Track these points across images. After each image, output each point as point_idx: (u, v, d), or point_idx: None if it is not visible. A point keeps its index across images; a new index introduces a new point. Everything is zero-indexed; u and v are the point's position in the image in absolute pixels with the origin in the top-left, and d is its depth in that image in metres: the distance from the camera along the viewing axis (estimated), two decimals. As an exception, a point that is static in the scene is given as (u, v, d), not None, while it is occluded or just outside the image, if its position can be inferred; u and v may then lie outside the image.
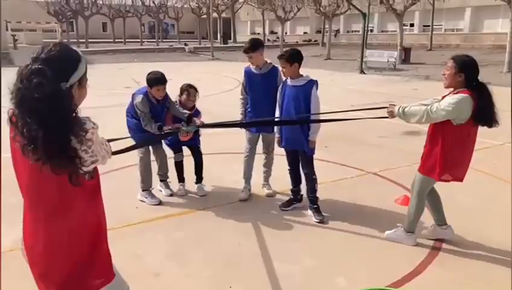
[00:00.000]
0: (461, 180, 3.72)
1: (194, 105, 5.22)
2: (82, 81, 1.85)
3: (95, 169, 1.93)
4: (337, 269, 3.63)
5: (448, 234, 3.99)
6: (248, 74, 4.96)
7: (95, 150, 1.83)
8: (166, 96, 4.84)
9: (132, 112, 4.81)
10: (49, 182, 1.76)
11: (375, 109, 4.10)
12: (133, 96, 4.81)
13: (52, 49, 1.76)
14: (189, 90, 5.13)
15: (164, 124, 4.74)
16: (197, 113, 5.19)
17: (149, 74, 4.75)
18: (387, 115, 3.81)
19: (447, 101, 3.46)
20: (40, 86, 1.63)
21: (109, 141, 2.41)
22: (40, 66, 1.67)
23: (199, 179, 5.34)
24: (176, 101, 5.07)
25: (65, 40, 39.12)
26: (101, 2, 43.10)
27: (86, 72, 1.87)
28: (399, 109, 3.68)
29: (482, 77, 3.60)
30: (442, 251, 3.87)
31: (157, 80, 4.67)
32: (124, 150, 3.22)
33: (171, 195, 5.17)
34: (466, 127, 3.51)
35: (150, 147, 5.00)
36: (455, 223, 4.04)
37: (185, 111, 4.86)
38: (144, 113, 4.62)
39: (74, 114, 1.73)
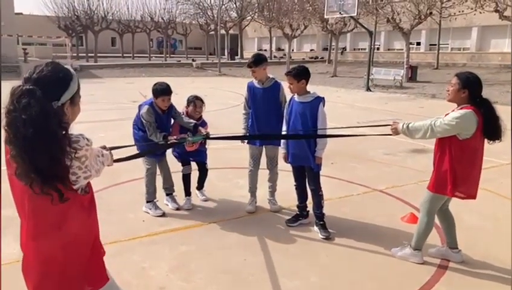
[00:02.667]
0: (474, 197, 3.71)
1: (201, 116, 5.27)
2: (74, 99, 1.87)
3: (88, 183, 1.95)
4: (343, 286, 3.61)
5: (458, 257, 3.96)
6: (251, 88, 5.04)
7: (89, 165, 1.87)
8: (171, 106, 4.94)
9: (139, 124, 4.89)
10: (44, 198, 1.76)
11: (380, 126, 4.11)
12: (139, 107, 4.91)
13: (43, 69, 1.79)
14: (195, 101, 5.19)
15: (169, 133, 4.82)
16: (203, 124, 5.25)
17: (155, 84, 4.87)
18: (391, 133, 3.84)
19: (451, 116, 3.51)
20: (28, 107, 1.65)
21: (113, 148, 2.44)
22: (30, 87, 1.70)
23: (200, 186, 5.48)
24: (183, 113, 5.14)
25: (74, 54, 39.69)
26: (110, 17, 43.67)
27: (78, 89, 1.89)
28: (403, 125, 3.71)
29: (488, 96, 3.64)
30: (449, 270, 3.84)
31: (162, 90, 4.77)
32: (127, 158, 3.15)
33: (178, 209, 5.18)
34: (472, 142, 3.53)
35: (157, 165, 5.03)
36: (462, 242, 4.02)
37: (191, 121, 4.93)
38: (149, 123, 4.71)
39: (65, 132, 1.74)
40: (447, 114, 3.65)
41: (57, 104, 1.76)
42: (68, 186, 1.77)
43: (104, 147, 2.33)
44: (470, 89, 3.54)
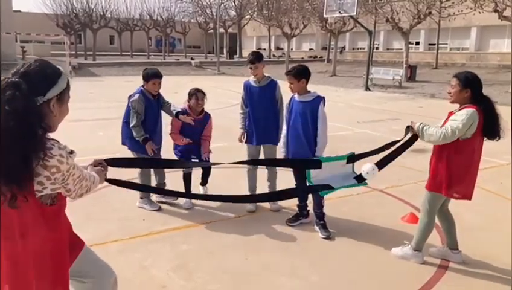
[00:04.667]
0: (469, 198, 3.71)
1: (203, 109, 5.27)
2: (62, 97, 1.85)
3: (58, 195, 1.86)
4: (343, 285, 3.62)
5: (458, 258, 3.96)
6: (247, 87, 5.06)
7: (59, 179, 1.77)
8: (160, 94, 5.04)
9: (129, 120, 4.92)
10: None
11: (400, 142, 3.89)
12: (129, 98, 4.94)
13: (31, 64, 1.80)
14: (197, 94, 5.19)
15: (151, 138, 4.85)
16: (207, 117, 5.29)
17: (145, 69, 4.99)
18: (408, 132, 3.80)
19: (459, 118, 3.48)
20: (12, 100, 1.64)
21: (113, 162, 2.33)
22: (16, 80, 1.70)
23: (204, 182, 5.54)
24: (185, 107, 5.17)
25: (73, 52, 39.58)
26: (109, 15, 43.54)
27: (67, 88, 1.87)
28: (420, 125, 3.68)
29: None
30: (449, 270, 3.85)
31: (153, 73, 4.89)
32: (121, 184, 2.63)
33: (176, 199, 5.28)
34: (471, 142, 3.54)
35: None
36: (462, 242, 4.02)
37: (175, 108, 5.03)
38: (137, 113, 4.78)
39: (43, 133, 1.70)
40: (451, 113, 3.64)
41: (42, 98, 1.75)
42: (27, 191, 1.69)
43: (99, 163, 2.25)
44: (472, 88, 3.55)
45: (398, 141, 3.83)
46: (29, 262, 1.83)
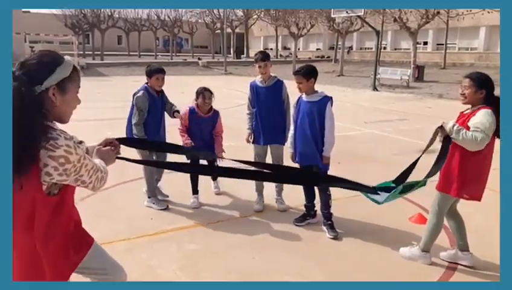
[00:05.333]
0: (479, 199, 3.67)
1: (211, 107, 5.28)
2: (64, 86, 1.81)
3: (64, 186, 1.85)
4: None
5: (469, 260, 3.90)
6: (254, 87, 5.06)
7: (70, 170, 1.75)
8: (163, 92, 5.11)
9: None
10: (19, 194, 1.71)
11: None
12: (134, 96, 4.98)
13: (32, 55, 1.81)
14: (204, 93, 5.18)
15: (155, 132, 4.95)
16: (215, 115, 5.29)
17: (148, 66, 5.06)
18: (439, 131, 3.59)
19: (483, 121, 3.40)
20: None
21: (122, 141, 2.32)
22: (12, 70, 1.72)
23: (215, 177, 5.63)
24: (193, 106, 5.20)
25: (81, 52, 39.82)
26: (117, 15, 43.82)
27: (69, 78, 1.83)
28: (453, 126, 3.48)
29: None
30: (458, 271, 3.82)
31: (157, 69, 4.97)
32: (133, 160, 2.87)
33: (167, 197, 5.38)
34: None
35: (154, 154, 5.10)
36: (471, 243, 3.98)
37: (173, 108, 5.15)
38: (140, 110, 4.82)
39: (44, 121, 1.69)
40: (462, 114, 3.60)
41: (40, 87, 1.74)
42: (25, 178, 1.68)
43: (110, 142, 2.22)
44: (486, 88, 3.51)
45: (427, 147, 3.55)
46: (33, 254, 1.83)
